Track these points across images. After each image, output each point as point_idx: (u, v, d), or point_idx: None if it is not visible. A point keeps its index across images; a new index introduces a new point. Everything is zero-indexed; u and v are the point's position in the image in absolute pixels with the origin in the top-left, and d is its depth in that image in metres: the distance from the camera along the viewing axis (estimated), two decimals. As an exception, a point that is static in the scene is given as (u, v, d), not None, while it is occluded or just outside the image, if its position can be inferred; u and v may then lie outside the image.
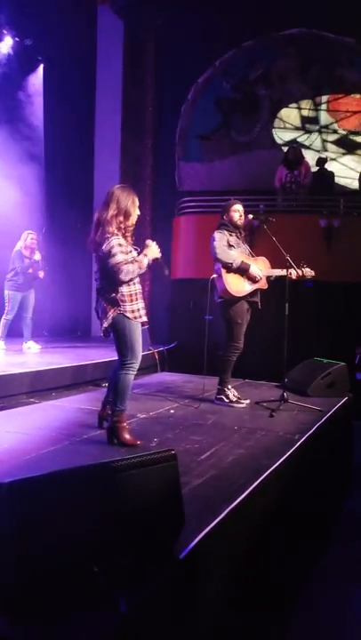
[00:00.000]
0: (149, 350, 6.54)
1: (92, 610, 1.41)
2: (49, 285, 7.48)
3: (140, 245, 3.17)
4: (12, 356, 5.84)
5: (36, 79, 8.34)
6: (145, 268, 3.03)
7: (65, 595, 1.43)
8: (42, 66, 8.30)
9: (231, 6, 7.62)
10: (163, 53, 8.51)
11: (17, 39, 7.64)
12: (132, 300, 3.02)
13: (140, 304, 3.08)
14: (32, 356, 5.95)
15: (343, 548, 3.40)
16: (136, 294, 3.05)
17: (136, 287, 3.06)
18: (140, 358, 3.11)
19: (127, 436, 3.04)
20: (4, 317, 6.25)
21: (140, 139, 8.63)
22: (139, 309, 3.05)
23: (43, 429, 3.40)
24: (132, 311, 3.02)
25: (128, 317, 3.01)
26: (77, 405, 4.16)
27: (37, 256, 6.28)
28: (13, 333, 6.45)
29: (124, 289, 3.00)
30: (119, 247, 2.94)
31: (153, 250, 3.08)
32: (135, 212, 3.06)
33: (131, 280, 3.00)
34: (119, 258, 2.93)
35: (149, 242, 3.12)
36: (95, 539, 1.51)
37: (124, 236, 3.03)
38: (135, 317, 3.03)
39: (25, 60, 7.95)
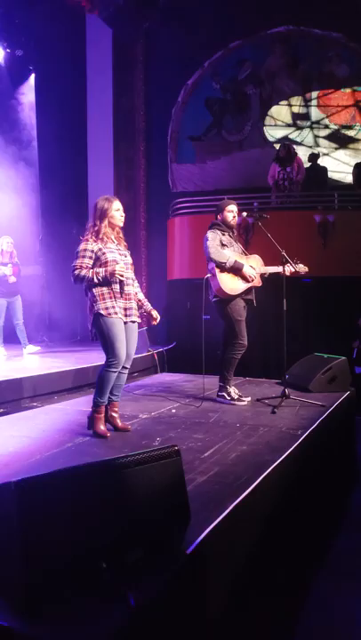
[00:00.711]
0: (149, 352, 6.55)
1: (102, 605, 1.43)
2: (47, 291, 7.50)
3: (135, 249, 3.28)
4: (14, 362, 5.86)
5: (29, 88, 8.40)
6: (98, 280, 3.14)
7: (74, 591, 1.45)
8: (33, 75, 8.35)
9: (218, 7, 7.67)
10: (151, 57, 8.56)
11: (8, 50, 7.69)
12: (103, 299, 3.17)
13: (114, 302, 3.18)
14: (33, 361, 5.97)
15: (349, 541, 3.41)
16: (109, 293, 3.18)
17: (103, 289, 3.18)
18: (122, 356, 3.22)
19: (101, 427, 3.21)
20: None
21: (133, 142, 8.67)
22: (113, 307, 3.17)
23: (46, 432, 3.42)
24: (106, 308, 3.15)
25: (102, 315, 3.15)
26: (79, 408, 4.17)
27: (12, 279, 6.25)
28: (11, 340, 6.46)
29: (95, 290, 3.18)
30: (83, 251, 3.17)
31: (117, 269, 3.15)
32: (111, 209, 3.23)
33: (80, 282, 3.17)
34: (77, 261, 3.17)
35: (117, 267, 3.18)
36: (102, 535, 1.53)
37: (102, 240, 3.20)
38: (110, 314, 3.15)
39: (16, 70, 8.02)
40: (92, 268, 3.17)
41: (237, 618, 1.97)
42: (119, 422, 3.36)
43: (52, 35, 7.74)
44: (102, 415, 3.25)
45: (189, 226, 7.38)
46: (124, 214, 3.32)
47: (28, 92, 8.38)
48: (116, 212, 3.25)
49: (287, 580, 2.53)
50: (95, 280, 3.14)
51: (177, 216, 7.62)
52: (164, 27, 7.97)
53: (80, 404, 4.38)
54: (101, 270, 3.15)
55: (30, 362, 5.92)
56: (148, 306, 3.46)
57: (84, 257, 3.17)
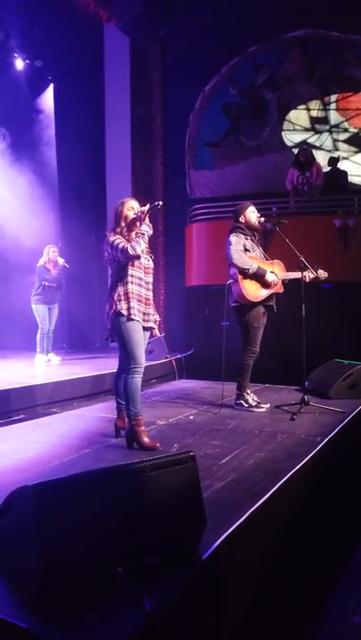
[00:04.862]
0: (167, 358, 6.55)
1: (117, 608, 1.43)
2: (66, 299, 7.60)
3: (153, 255, 3.31)
4: (33, 368, 5.93)
5: (47, 98, 8.55)
6: (148, 231, 3.13)
7: (91, 594, 1.45)
8: (52, 85, 8.50)
9: (234, 12, 7.69)
10: (169, 64, 8.62)
11: (27, 61, 7.85)
12: (127, 299, 3.13)
13: (136, 304, 3.14)
14: (52, 368, 6.03)
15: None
16: (132, 294, 3.14)
17: (133, 287, 3.15)
18: (142, 361, 3.18)
19: (146, 439, 3.09)
20: (39, 332, 6.41)
21: (150, 150, 8.74)
22: (134, 308, 3.13)
23: (65, 438, 3.44)
24: (127, 308, 3.12)
25: (123, 315, 3.10)
26: (97, 414, 4.19)
27: (60, 260, 6.46)
28: (31, 347, 6.56)
29: (120, 288, 3.14)
30: (118, 239, 3.14)
31: (140, 211, 3.15)
32: (126, 210, 3.22)
33: (139, 251, 3.08)
34: (121, 243, 3.11)
35: (137, 210, 3.20)
36: (118, 539, 1.53)
37: (126, 237, 3.17)
38: (130, 314, 3.11)
39: (35, 80, 8.17)
40: (118, 263, 3.15)
41: (253, 625, 1.94)
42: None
43: (71, 45, 7.87)
44: (143, 426, 3.15)
45: (207, 232, 7.38)
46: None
47: (46, 103, 8.54)
48: (128, 209, 3.23)
49: (305, 589, 2.48)
50: (146, 230, 3.11)
51: (195, 222, 7.63)
52: (181, 33, 8.03)
53: (98, 411, 4.40)
54: (141, 226, 3.10)
55: (49, 368, 5.99)
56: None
57: (120, 239, 3.13)
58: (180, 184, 8.61)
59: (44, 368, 6.04)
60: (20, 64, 7.83)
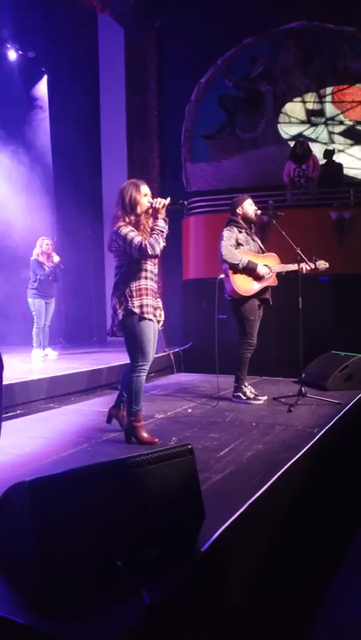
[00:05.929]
0: (165, 352, 6.55)
1: (117, 602, 1.43)
2: (62, 292, 7.57)
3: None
4: (30, 363, 5.92)
5: (41, 90, 8.47)
6: (166, 228, 2.93)
7: (90, 588, 1.45)
8: (45, 77, 8.42)
9: (229, 3, 7.63)
10: (164, 56, 8.56)
11: (20, 52, 7.77)
12: (140, 295, 2.97)
13: (149, 300, 3.00)
14: (50, 363, 6.02)
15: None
16: (146, 289, 3.00)
17: (147, 283, 3.01)
18: (150, 359, 3.09)
19: (145, 435, 3.08)
20: (34, 327, 6.38)
21: (146, 142, 8.68)
22: (148, 305, 2.99)
23: (63, 433, 3.44)
24: (140, 306, 2.97)
25: (135, 312, 2.96)
26: (95, 409, 4.19)
27: (56, 258, 6.40)
28: (28, 342, 6.54)
29: (133, 284, 2.97)
30: (132, 232, 2.92)
31: (158, 204, 2.94)
32: (142, 199, 2.97)
33: (158, 251, 2.89)
34: (137, 238, 2.89)
35: (154, 201, 2.98)
36: (116, 533, 1.53)
37: (138, 228, 2.97)
38: (143, 312, 2.97)
39: (29, 71, 8.09)
40: (130, 257, 2.94)
41: (253, 616, 1.95)
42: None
43: (64, 36, 7.79)
44: (142, 422, 3.10)
45: (204, 225, 7.35)
46: (151, 200, 3.02)
47: (40, 93, 8.46)
48: (143, 198, 2.98)
49: (304, 579, 2.50)
50: (165, 227, 2.88)
51: (191, 215, 7.61)
52: (176, 25, 7.96)
53: (96, 405, 4.40)
54: (158, 220, 2.87)
55: (47, 364, 5.98)
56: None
57: (135, 233, 2.89)
58: (175, 176, 8.57)
59: (41, 363, 6.02)
60: (12, 55, 7.75)
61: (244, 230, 4.23)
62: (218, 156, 8.47)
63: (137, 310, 2.97)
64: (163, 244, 2.92)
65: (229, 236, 4.14)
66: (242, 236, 4.20)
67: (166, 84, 8.56)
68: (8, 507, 1.54)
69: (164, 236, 2.93)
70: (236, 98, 8.40)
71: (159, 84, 8.62)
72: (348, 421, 3.80)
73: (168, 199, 2.99)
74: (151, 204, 2.98)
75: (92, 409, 4.22)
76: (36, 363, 6.01)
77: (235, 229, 4.19)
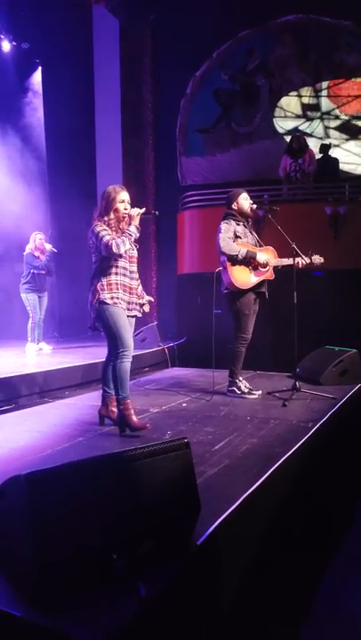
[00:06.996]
0: (159, 346, 6.55)
1: (113, 595, 1.43)
2: (57, 286, 7.53)
3: (144, 243, 3.23)
4: (25, 358, 5.90)
5: (35, 82, 8.39)
6: (136, 233, 3.14)
7: (86, 582, 1.45)
8: (40, 68, 8.34)
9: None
10: (159, 49, 8.50)
11: (14, 43, 7.68)
12: (110, 289, 3.13)
13: (120, 294, 3.14)
14: (44, 357, 6.00)
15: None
16: (117, 284, 3.15)
17: (117, 278, 3.16)
18: (130, 346, 3.18)
19: (134, 419, 3.14)
20: (30, 321, 6.36)
21: (141, 135, 8.64)
22: (118, 297, 3.14)
23: (57, 427, 3.43)
24: (112, 297, 3.12)
25: (108, 303, 3.11)
26: (89, 403, 4.18)
27: (48, 246, 6.39)
28: (22, 336, 6.51)
29: (104, 278, 3.15)
30: (105, 231, 3.12)
31: (134, 212, 3.16)
32: (119, 204, 3.17)
33: (122, 251, 3.08)
34: (107, 237, 3.09)
35: (130, 210, 3.17)
36: (112, 526, 1.53)
37: (112, 229, 3.14)
38: (115, 303, 3.12)
39: (23, 63, 8.01)
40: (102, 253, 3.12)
41: (248, 608, 1.97)
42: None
43: (59, 27, 7.71)
44: (132, 410, 3.16)
45: (199, 219, 7.34)
46: (128, 207, 3.23)
47: (34, 85, 8.38)
48: (117, 203, 3.18)
49: (298, 572, 2.52)
50: (135, 232, 3.10)
51: (186, 209, 7.59)
52: (171, 17, 7.91)
53: (91, 399, 4.39)
54: (131, 227, 3.10)
55: (41, 358, 5.96)
56: (144, 297, 3.37)
57: (109, 233, 3.09)
58: (170, 170, 8.54)
59: (35, 357, 6.00)
60: (6, 46, 7.66)
61: (241, 223, 4.23)
62: (213, 149, 8.45)
63: (109, 301, 3.12)
64: (129, 246, 3.12)
65: (227, 228, 4.13)
66: (240, 229, 4.20)
67: (161, 77, 8.52)
68: (4, 500, 1.53)
69: (132, 239, 3.15)
70: (232, 91, 8.37)
71: (154, 77, 8.58)
72: (343, 416, 3.82)
73: (143, 209, 3.23)
74: (127, 211, 3.19)
75: (87, 403, 4.21)
76: (31, 357, 5.99)
77: (232, 222, 4.17)
